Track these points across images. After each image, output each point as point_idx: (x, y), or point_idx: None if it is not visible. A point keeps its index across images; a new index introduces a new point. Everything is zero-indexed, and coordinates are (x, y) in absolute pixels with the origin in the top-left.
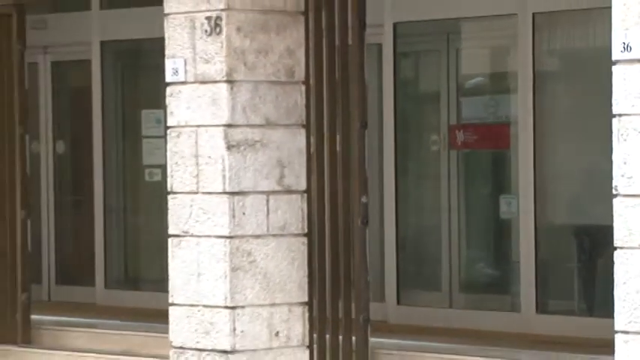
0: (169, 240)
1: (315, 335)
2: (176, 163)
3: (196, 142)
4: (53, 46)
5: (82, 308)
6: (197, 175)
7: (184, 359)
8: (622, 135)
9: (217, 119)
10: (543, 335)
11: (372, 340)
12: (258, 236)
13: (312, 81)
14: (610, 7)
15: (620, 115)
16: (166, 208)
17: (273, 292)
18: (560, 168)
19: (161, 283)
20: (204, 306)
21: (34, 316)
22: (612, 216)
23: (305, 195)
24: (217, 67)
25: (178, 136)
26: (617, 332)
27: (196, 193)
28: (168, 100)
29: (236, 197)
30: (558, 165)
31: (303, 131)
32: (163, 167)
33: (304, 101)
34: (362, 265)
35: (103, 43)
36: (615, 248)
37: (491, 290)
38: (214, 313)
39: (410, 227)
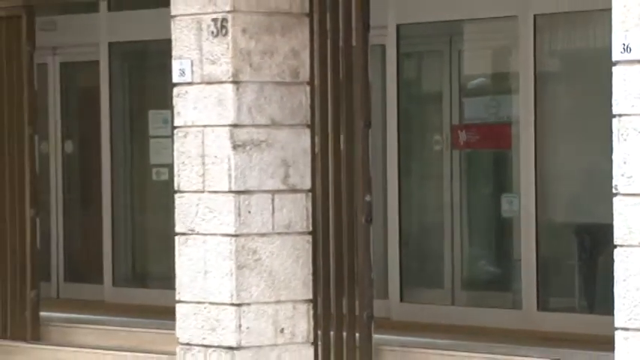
0: (176, 238)
1: (319, 332)
2: (183, 162)
3: (203, 142)
4: (62, 47)
5: (90, 305)
6: (203, 174)
7: (191, 355)
8: (622, 135)
9: (223, 119)
10: (544, 332)
11: (375, 336)
12: (263, 234)
13: (316, 82)
14: (610, 9)
15: (620, 115)
16: (173, 207)
17: (278, 290)
18: (561, 167)
19: (168, 281)
20: (211, 303)
21: (43, 313)
22: (612, 215)
23: (309, 194)
24: (223, 68)
25: (185, 136)
26: (617, 329)
27: (203, 192)
28: (175, 100)
29: (242, 196)
30: (559, 164)
31: (307, 131)
32: (170, 166)
33: (309, 101)
34: (366, 263)
35: (111, 45)
36: (615, 246)
37: (493, 288)
38: (220, 310)
39: (413, 225)
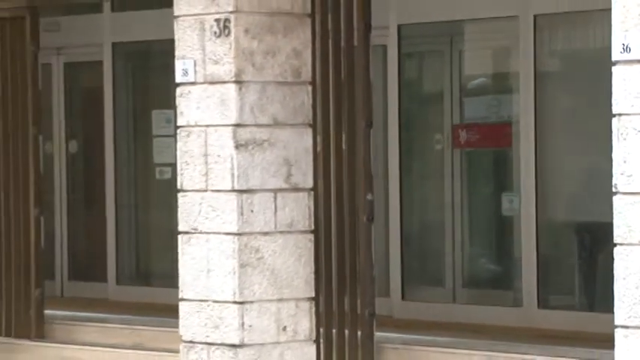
0: (179, 237)
1: (321, 330)
2: (186, 161)
3: (205, 142)
4: (66, 48)
5: (94, 303)
6: (206, 173)
7: (194, 353)
8: (622, 134)
9: (226, 119)
10: (545, 330)
11: (377, 334)
12: (266, 233)
13: (318, 81)
14: (610, 9)
15: (619, 115)
16: (176, 206)
17: (280, 288)
18: (561, 166)
19: (171, 279)
20: (214, 301)
21: (47, 312)
22: (612, 213)
23: (312, 193)
24: (226, 68)
25: (188, 136)
26: (617, 327)
27: (205, 191)
28: (178, 100)
29: (244, 195)
30: (559, 163)
31: (309, 131)
32: (173, 166)
33: (311, 101)
34: (367, 261)
35: (114, 45)
36: (615, 245)
37: (494, 286)
38: (223, 308)
39: (414, 224)
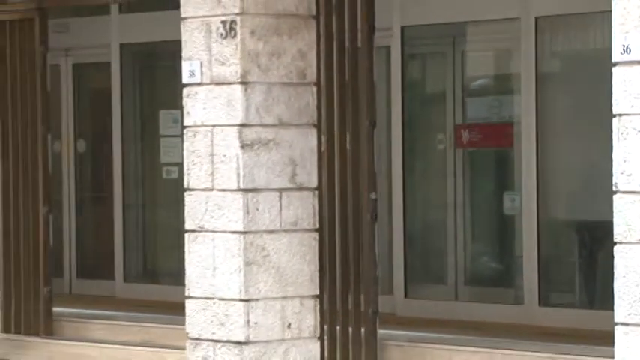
0: (186, 235)
1: (325, 327)
2: (192, 161)
3: (212, 142)
4: (74, 49)
5: (102, 301)
6: (212, 173)
7: (200, 350)
8: (622, 134)
9: (232, 119)
10: (546, 327)
11: (380, 331)
12: (271, 232)
13: (323, 82)
14: (610, 11)
15: (619, 115)
16: (183, 205)
17: (285, 286)
18: (562, 166)
19: (178, 277)
20: (220, 299)
21: (55, 309)
22: (612, 212)
23: (316, 192)
24: (232, 69)
25: (194, 136)
26: (616, 324)
27: (212, 190)
28: (184, 100)
29: (250, 194)
30: (560, 163)
31: (314, 131)
32: (180, 165)
33: (315, 102)
34: (371, 260)
35: (122, 46)
36: (615, 243)
37: (496, 283)
38: (229, 306)
39: (417, 223)
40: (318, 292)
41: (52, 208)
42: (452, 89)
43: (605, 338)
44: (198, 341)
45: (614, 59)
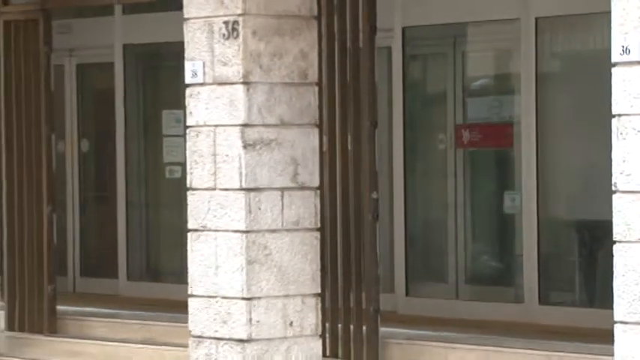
0: (188, 234)
1: (327, 325)
2: (195, 160)
3: (214, 141)
4: (78, 50)
5: (105, 299)
6: (215, 172)
7: (203, 348)
8: (621, 134)
9: (234, 119)
10: (546, 325)
11: (381, 329)
12: (273, 231)
13: (324, 82)
14: (610, 12)
15: (619, 115)
16: (186, 204)
17: (287, 284)
18: (562, 165)
19: (181, 275)
20: (222, 297)
21: (59, 307)
22: (611, 211)
23: (318, 191)
24: (234, 70)
25: (197, 135)
26: (616, 322)
27: (214, 189)
28: (187, 100)
29: (252, 193)
30: (560, 162)
31: (316, 131)
32: (183, 165)
33: (317, 102)
34: (372, 258)
35: (125, 47)
36: (614, 242)
37: (496, 282)
38: (231, 304)
39: (418, 222)
40: (319, 291)
41: (55, 207)
42: (452, 89)
43: (605, 336)
44: (200, 339)
45: (613, 60)
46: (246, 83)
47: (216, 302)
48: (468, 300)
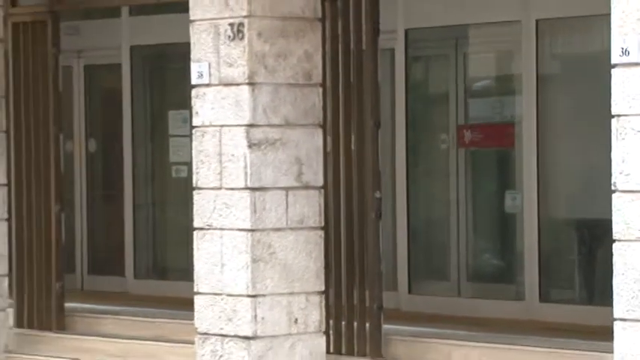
0: (194, 233)
1: (331, 322)
2: (201, 160)
3: (220, 141)
4: (86, 51)
5: (112, 297)
6: (220, 171)
7: (209, 344)
8: (620, 134)
9: (240, 119)
10: (546, 322)
11: (385, 326)
12: (277, 229)
13: (328, 83)
14: (609, 14)
15: (618, 116)
16: (192, 203)
17: (291, 282)
18: (562, 165)
19: (187, 273)
20: (228, 294)
21: (67, 304)
22: (611, 210)
23: (322, 190)
24: (240, 71)
25: (203, 135)
26: (615, 320)
27: (220, 188)
28: (193, 101)
29: (257, 193)
30: (560, 162)
31: (320, 131)
32: (189, 164)
33: (321, 102)
34: (375, 256)
35: (132, 48)
36: (614, 241)
37: (497, 280)
38: (237, 302)
39: (420, 221)
40: (323, 288)
41: (64, 206)
42: (454, 90)
43: (605, 333)
44: (206, 336)
45: (613, 61)
46: (251, 84)
47: (222, 300)
48: (469, 297)
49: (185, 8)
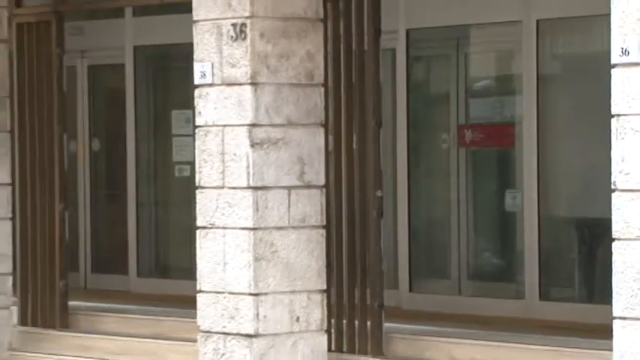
0: (197, 231)
1: (332, 320)
2: (204, 159)
3: (222, 141)
4: (90, 51)
5: (116, 295)
6: (223, 171)
7: (211, 342)
8: (620, 134)
9: (242, 119)
10: (546, 321)
11: (386, 325)
12: (280, 228)
13: (330, 83)
14: (609, 14)
15: (618, 115)
16: (194, 202)
17: (293, 280)
18: (562, 165)
19: (189, 272)
20: (230, 293)
21: (71, 303)
22: (611, 209)
23: (324, 189)
24: (242, 71)
25: (206, 135)
26: (615, 318)
27: (222, 187)
28: (196, 101)
29: (259, 192)
30: (560, 162)
31: (322, 130)
32: (192, 164)
33: (323, 102)
34: (376, 255)
35: (136, 48)
36: (613, 239)
37: (498, 278)
38: (239, 300)
39: (421, 219)
40: (325, 287)
41: (67, 204)
42: (455, 90)
43: (604, 332)
44: (209, 334)
45: (613, 61)
46: (253, 84)
47: (224, 298)
48: (470, 296)
49: (188, 9)
